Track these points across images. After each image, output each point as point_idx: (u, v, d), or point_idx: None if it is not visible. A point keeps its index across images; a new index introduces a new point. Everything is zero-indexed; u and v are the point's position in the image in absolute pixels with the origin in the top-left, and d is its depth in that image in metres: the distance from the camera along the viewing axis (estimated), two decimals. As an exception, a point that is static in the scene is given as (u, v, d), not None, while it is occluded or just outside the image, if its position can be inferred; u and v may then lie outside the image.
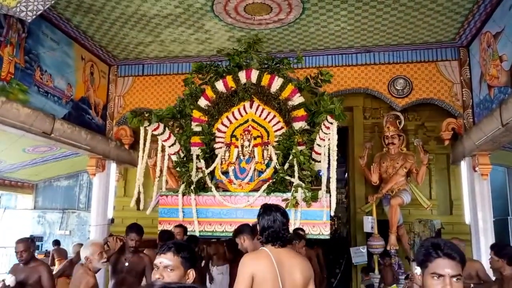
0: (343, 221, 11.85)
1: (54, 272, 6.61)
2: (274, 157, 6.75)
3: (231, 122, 7.23)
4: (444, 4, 6.57)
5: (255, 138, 6.95)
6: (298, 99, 6.94)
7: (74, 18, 7.14)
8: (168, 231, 6.00)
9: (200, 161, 7.01)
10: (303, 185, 6.27)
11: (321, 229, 6.23)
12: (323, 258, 7.66)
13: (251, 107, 7.17)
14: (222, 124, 7.25)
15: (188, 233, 6.40)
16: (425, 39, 7.71)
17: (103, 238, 6.62)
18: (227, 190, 6.73)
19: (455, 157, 8.11)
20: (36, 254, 11.23)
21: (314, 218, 6.25)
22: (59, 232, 13.43)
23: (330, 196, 6.09)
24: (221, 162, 6.97)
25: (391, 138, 8.10)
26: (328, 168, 6.19)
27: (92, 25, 7.38)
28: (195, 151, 7.11)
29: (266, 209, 3.23)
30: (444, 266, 2.01)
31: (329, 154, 6.05)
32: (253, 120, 7.14)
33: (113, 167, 8.96)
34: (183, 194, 6.69)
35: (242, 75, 7.11)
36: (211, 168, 6.93)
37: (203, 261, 7.33)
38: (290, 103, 6.96)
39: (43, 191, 14.03)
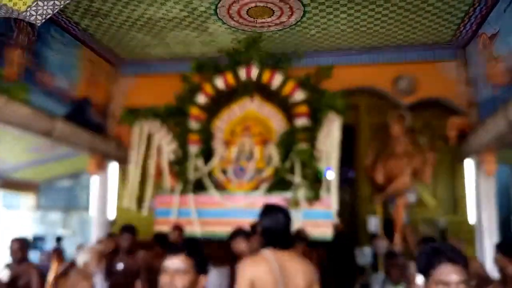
0: (348, 221, 11.82)
1: (54, 273, 6.57)
2: (275, 155, 6.65)
3: (230, 119, 7.11)
4: (441, 7, 6.62)
5: (255, 136, 6.85)
6: (299, 95, 6.84)
7: (82, 21, 7.22)
8: (163, 234, 5.90)
9: (198, 160, 6.88)
10: (305, 183, 6.18)
11: (323, 230, 6.14)
12: (326, 259, 7.61)
13: (251, 103, 7.07)
14: (221, 121, 7.13)
15: (186, 233, 6.28)
16: (423, 40, 7.74)
17: (97, 239, 6.54)
18: (226, 189, 6.62)
19: (461, 156, 8.08)
20: (38, 254, 11.23)
21: (316, 218, 6.14)
22: (62, 232, 13.42)
23: (333, 195, 5.99)
24: (220, 160, 6.87)
25: (397, 137, 8.05)
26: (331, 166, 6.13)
27: (99, 28, 7.45)
28: (193, 149, 6.99)
29: (268, 209, 3.11)
30: (448, 272, 1.93)
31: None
32: (253, 117, 7.04)
33: (113, 167, 8.94)
34: (181, 194, 6.58)
35: (242, 72, 7.03)
36: (209, 167, 6.81)
37: None
38: (291, 99, 6.86)
39: (45, 191, 14.01)
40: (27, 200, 14.09)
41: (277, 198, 6.18)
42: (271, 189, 6.41)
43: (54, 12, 5.14)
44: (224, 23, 7.18)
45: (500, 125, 6.23)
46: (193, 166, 6.81)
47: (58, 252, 9.90)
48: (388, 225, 7.70)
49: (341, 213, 6.64)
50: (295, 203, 6.09)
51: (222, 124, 7.13)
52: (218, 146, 7.05)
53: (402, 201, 7.56)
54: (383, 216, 7.76)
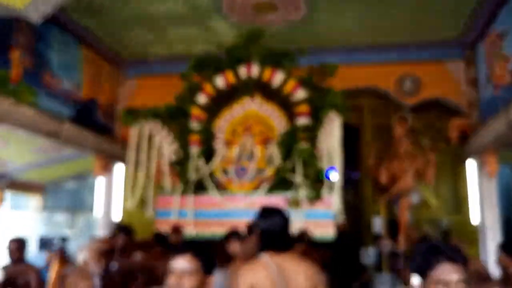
0: (352, 222, 11.84)
1: (55, 273, 6.52)
2: (276, 155, 6.59)
3: (231, 119, 7.05)
4: (450, 4, 6.60)
5: (256, 135, 6.79)
6: (301, 93, 6.77)
7: (82, 20, 7.20)
8: (162, 234, 5.79)
9: (199, 160, 6.83)
10: (306, 183, 6.12)
11: (325, 230, 6.06)
12: (330, 260, 7.61)
13: (252, 102, 7.02)
14: (222, 121, 7.08)
15: (186, 235, 6.27)
16: (431, 38, 7.73)
17: (92, 239, 6.42)
18: (227, 190, 6.56)
19: (463, 156, 8.11)
20: (44, 255, 11.28)
21: (318, 218, 6.07)
22: (68, 233, 13.49)
23: (335, 194, 5.90)
24: (221, 160, 6.81)
25: (400, 138, 8.08)
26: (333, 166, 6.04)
27: (100, 26, 7.44)
28: (194, 149, 6.95)
29: (265, 211, 3.00)
30: (448, 271, 1.85)
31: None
32: (254, 117, 6.98)
33: (119, 168, 8.99)
34: (181, 195, 6.52)
35: (242, 70, 6.96)
36: (210, 167, 6.76)
37: None
38: (292, 98, 6.79)
39: (52, 192, 14.08)
40: (33, 201, 14.16)
41: (279, 198, 6.15)
42: (272, 189, 6.34)
43: (54, 10, 5.14)
44: (227, 19, 7.16)
45: (502, 125, 6.25)
46: (194, 166, 6.76)
47: (61, 252, 9.96)
48: (392, 226, 7.73)
49: (345, 213, 6.59)
50: (296, 203, 6.03)
51: (223, 124, 7.07)
52: (219, 146, 7.01)
53: (405, 201, 7.58)
54: (386, 217, 7.78)
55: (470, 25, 7.21)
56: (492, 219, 7.37)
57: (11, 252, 4.69)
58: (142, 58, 8.85)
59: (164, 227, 6.32)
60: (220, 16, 7.06)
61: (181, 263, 2.18)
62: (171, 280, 2.16)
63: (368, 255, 7.78)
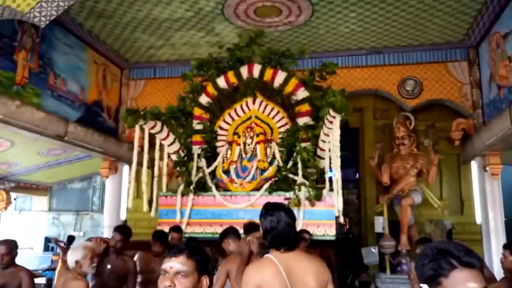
0: (355, 222, 11.88)
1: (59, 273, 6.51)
2: (278, 155, 6.54)
3: (233, 119, 7.03)
4: (453, 5, 6.61)
5: (257, 135, 6.73)
6: (302, 93, 6.73)
7: (87, 22, 7.26)
8: (162, 232, 5.65)
9: (201, 160, 6.81)
10: (307, 183, 6.07)
11: (326, 230, 5.99)
12: (334, 259, 7.63)
13: (254, 103, 6.98)
14: (224, 121, 7.06)
15: (187, 235, 6.24)
16: (434, 40, 7.74)
17: (86, 239, 6.30)
18: (228, 190, 6.52)
19: (466, 157, 8.13)
20: (50, 255, 11.35)
21: (319, 218, 5.99)
22: (73, 233, 13.58)
23: (338, 194, 5.68)
24: (223, 160, 6.77)
25: (402, 138, 8.09)
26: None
27: (104, 29, 7.51)
28: (196, 150, 6.91)
29: (269, 208, 2.83)
30: (466, 280, 1.49)
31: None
32: (256, 117, 6.94)
33: (125, 169, 9.05)
34: (183, 195, 6.49)
35: (244, 70, 6.94)
36: (212, 167, 6.74)
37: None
38: (294, 97, 6.76)
39: (58, 193, 14.19)
40: (40, 202, 14.27)
41: (280, 198, 6.09)
42: (274, 189, 6.29)
43: (58, 13, 5.18)
44: (231, 23, 7.20)
45: (505, 126, 6.27)
46: (196, 166, 6.76)
47: (66, 250, 10.01)
48: (394, 226, 7.74)
49: (347, 213, 6.55)
50: (298, 202, 6.00)
51: (225, 124, 7.07)
52: (221, 146, 7.00)
53: (407, 201, 7.59)
54: (388, 217, 7.79)
55: (473, 27, 7.22)
56: (496, 219, 7.38)
57: (1, 257, 4.36)
58: (147, 61, 8.92)
59: (166, 227, 6.21)
60: (224, 20, 7.10)
61: (174, 265, 2.03)
62: (163, 283, 2.00)
63: (370, 254, 7.78)
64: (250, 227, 4.33)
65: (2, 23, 5.78)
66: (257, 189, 6.37)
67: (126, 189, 9.23)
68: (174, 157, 6.96)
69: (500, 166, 7.41)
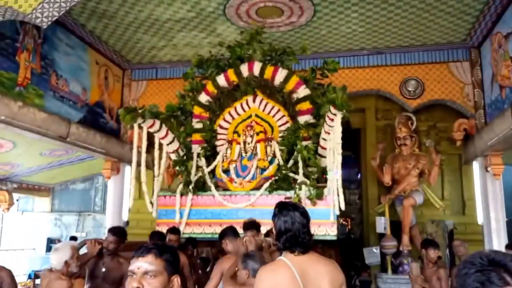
0: (357, 222, 11.89)
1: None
2: (278, 153, 6.45)
3: (233, 118, 6.94)
4: (455, 6, 6.62)
5: (257, 134, 6.63)
6: (303, 91, 6.63)
7: (89, 23, 7.28)
8: (159, 232, 5.63)
9: (200, 159, 6.72)
10: (308, 182, 5.97)
11: (327, 229, 5.88)
12: (336, 259, 7.61)
13: (254, 101, 6.88)
14: (224, 120, 6.98)
15: (186, 235, 6.21)
16: (436, 40, 7.74)
17: (80, 241, 6.17)
18: (228, 189, 6.44)
19: (467, 157, 8.13)
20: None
21: (320, 218, 5.81)
22: (76, 234, 13.60)
23: (338, 194, 5.58)
24: (223, 159, 6.68)
25: (403, 139, 8.09)
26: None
27: (106, 30, 7.53)
28: (196, 149, 6.83)
29: (282, 208, 2.67)
30: None
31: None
32: (256, 115, 6.84)
33: (127, 170, 9.06)
34: (182, 195, 6.41)
35: (244, 68, 6.86)
36: (212, 167, 6.64)
37: (209, 265, 6.85)
38: (294, 95, 6.66)
39: (60, 194, 14.19)
40: (42, 203, 14.28)
41: (280, 197, 5.96)
42: (274, 188, 6.20)
43: (60, 14, 5.18)
44: (232, 23, 7.23)
45: (506, 126, 6.27)
46: (195, 166, 6.68)
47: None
48: (396, 226, 7.74)
49: (349, 213, 6.51)
50: (298, 202, 5.90)
51: (225, 123, 6.99)
52: (220, 145, 6.92)
53: (409, 202, 7.59)
54: (390, 217, 7.78)
55: (475, 27, 7.23)
56: (497, 219, 7.38)
57: None
58: (149, 62, 8.94)
59: (164, 227, 6.17)
60: (226, 20, 7.12)
61: (142, 265, 1.93)
62: (131, 284, 1.90)
63: (372, 254, 7.79)
64: (248, 225, 4.33)
65: (4, 24, 5.80)
66: (257, 188, 6.27)
67: (129, 189, 9.25)
68: (173, 156, 6.88)
69: (502, 166, 7.41)
